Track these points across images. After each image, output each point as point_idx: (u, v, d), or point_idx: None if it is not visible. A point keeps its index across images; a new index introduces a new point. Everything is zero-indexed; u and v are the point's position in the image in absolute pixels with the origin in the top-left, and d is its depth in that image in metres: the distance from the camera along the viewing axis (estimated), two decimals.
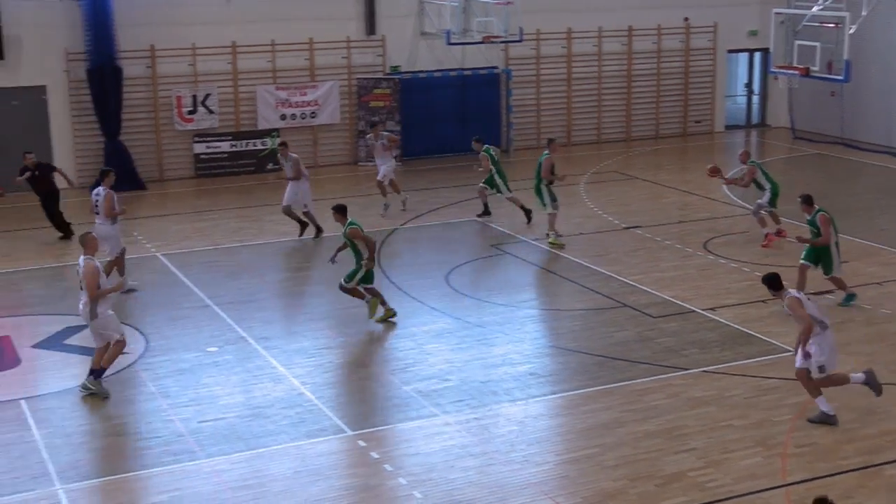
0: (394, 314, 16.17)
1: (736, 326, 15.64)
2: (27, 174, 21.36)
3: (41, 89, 26.19)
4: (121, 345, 13.79)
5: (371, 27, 28.89)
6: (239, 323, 16.20)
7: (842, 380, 12.54)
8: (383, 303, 16.14)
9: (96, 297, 13.39)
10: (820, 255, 16.18)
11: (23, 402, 13.45)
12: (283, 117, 28.25)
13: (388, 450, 12.10)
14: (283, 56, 28.07)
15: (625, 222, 22.01)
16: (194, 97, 27.34)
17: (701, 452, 11.81)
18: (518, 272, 19.08)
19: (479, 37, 27.73)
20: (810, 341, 12.22)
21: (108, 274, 16.67)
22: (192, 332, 15.94)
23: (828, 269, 16.26)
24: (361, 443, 12.21)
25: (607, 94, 31.74)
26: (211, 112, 27.57)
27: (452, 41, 27.55)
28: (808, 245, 16.24)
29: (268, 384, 13.88)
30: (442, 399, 13.34)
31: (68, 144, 26.54)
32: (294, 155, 21.60)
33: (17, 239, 21.53)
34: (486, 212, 22.72)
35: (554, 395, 13.56)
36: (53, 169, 22.01)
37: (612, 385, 13.72)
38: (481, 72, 30.05)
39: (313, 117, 28.61)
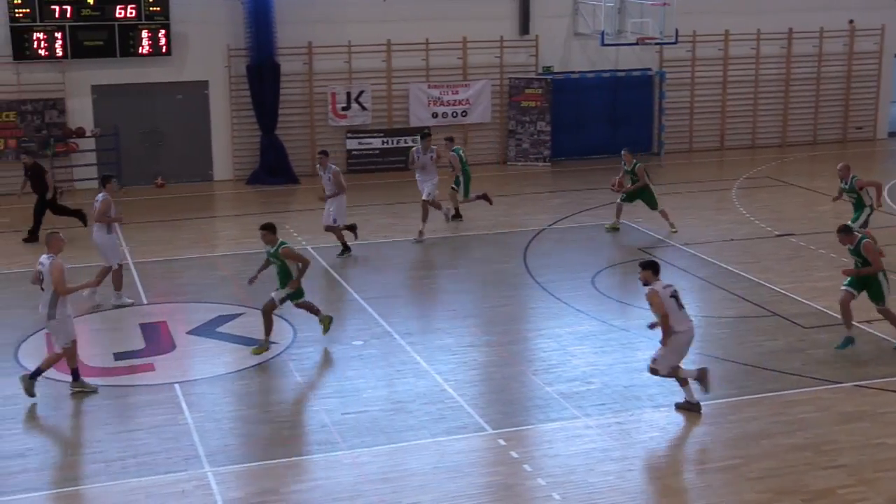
0: (330, 320, 15.44)
1: (893, 341, 15.07)
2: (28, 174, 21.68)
3: (203, 84, 27.05)
4: (74, 345, 13.67)
5: (525, 27, 28.89)
6: (384, 318, 16.41)
7: (677, 375, 12.99)
8: (317, 312, 15.36)
9: (66, 293, 13.39)
10: (867, 282, 14.66)
11: (177, 385, 13.91)
12: (435, 115, 28.50)
13: (527, 450, 12.09)
14: (436, 54, 28.31)
15: (777, 229, 21.46)
16: (348, 94, 27.83)
17: (852, 469, 11.43)
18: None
19: (634, 38, 27.45)
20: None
21: (116, 285, 17.09)
22: (338, 325, 16.20)
23: (877, 298, 14.67)
24: (501, 441, 12.23)
25: (764, 98, 30.99)
26: (364, 109, 28.01)
27: (606, 42, 27.35)
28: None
29: (410, 379, 14.02)
30: (584, 401, 13.25)
31: (226, 138, 27.34)
32: (335, 166, 20.18)
33: (177, 228, 22.26)
34: (458, 215, 22.62)
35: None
36: (44, 171, 21.85)
37: (759, 395, 13.40)
38: (634, 73, 29.71)
39: (464, 116, 28.78)
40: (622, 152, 21.78)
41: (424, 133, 21.90)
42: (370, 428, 12.59)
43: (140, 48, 25.91)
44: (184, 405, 13.26)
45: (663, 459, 11.83)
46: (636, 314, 16.42)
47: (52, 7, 25.11)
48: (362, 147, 28.12)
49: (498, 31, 28.67)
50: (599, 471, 11.46)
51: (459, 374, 14.18)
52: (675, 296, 12.79)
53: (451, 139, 22.88)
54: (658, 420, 12.79)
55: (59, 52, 25.39)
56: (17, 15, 24.98)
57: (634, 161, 21.58)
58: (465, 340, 15.58)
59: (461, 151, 22.62)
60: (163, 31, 25.96)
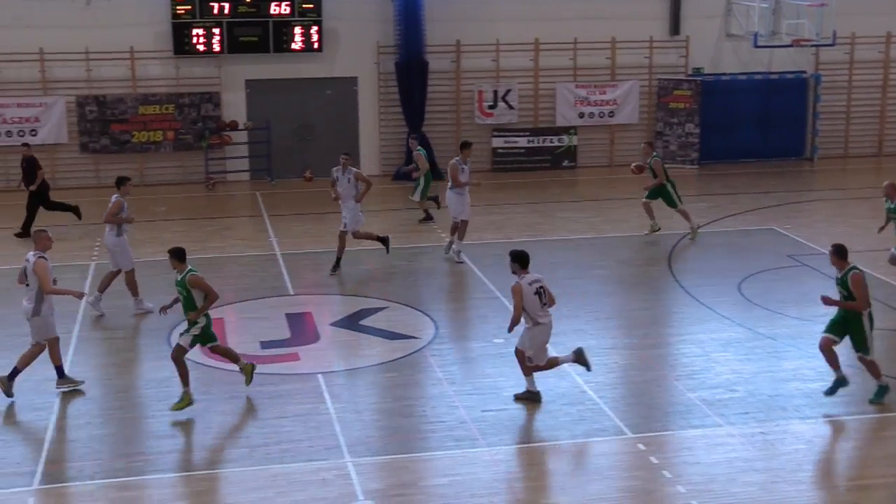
0: (252, 369, 13.67)
1: None
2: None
3: (353, 80, 27.48)
4: (55, 341, 13.67)
5: (675, 27, 28.46)
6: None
7: (553, 363, 13.28)
8: (236, 359, 13.62)
9: (50, 293, 13.36)
10: (849, 326, 12.85)
11: (320, 376, 14.16)
12: (581, 115, 28.33)
13: (668, 456, 11.91)
14: (584, 54, 28.13)
15: None
16: (495, 92, 27.89)
17: None
18: (815, 285, 18.23)
19: (789, 39, 26.75)
20: (523, 332, 12.96)
21: (133, 291, 16.74)
22: (480, 322, 16.27)
23: (859, 345, 12.86)
24: (641, 446, 12.07)
25: None
26: (511, 107, 28.03)
27: (760, 44, 26.72)
28: (835, 312, 13.06)
29: (551, 379, 13.95)
30: (727, 409, 12.98)
31: (374, 134, 27.72)
32: (356, 169, 19.22)
33: (325, 222, 22.65)
34: (429, 217, 22.65)
35: (849, 417, 12.88)
36: (37, 166, 22.02)
37: None
38: (788, 76, 28.95)
39: (611, 116, 28.53)
40: (642, 144, 21.66)
41: (465, 142, 20.45)
42: (509, 426, 12.59)
43: (293, 44, 26.49)
44: (326, 395, 13.49)
45: (809, 473, 11.50)
46: (784, 323, 16.02)
47: (212, 4, 25.87)
48: (508, 146, 28.16)
49: (648, 31, 28.31)
50: (742, 481, 11.21)
51: (600, 377, 14.05)
52: (539, 292, 12.91)
53: (415, 137, 23.34)
54: (804, 432, 12.43)
55: (217, 48, 26.15)
56: (178, 12, 25.82)
57: (654, 154, 21.05)
58: (607, 342, 15.45)
59: (424, 151, 22.89)
60: (315, 28, 26.48)
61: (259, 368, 14.14)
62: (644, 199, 20.98)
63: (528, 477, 11.38)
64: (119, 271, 16.80)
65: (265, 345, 15.38)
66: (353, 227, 18.83)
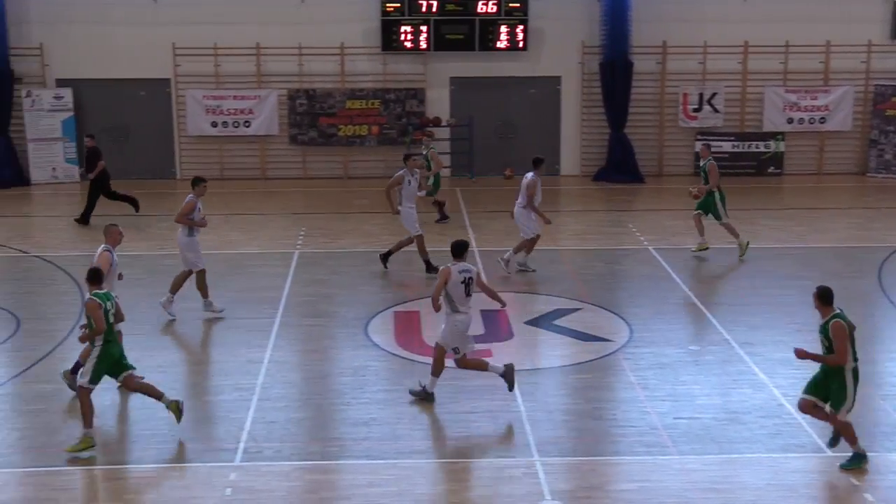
0: (178, 407, 12.46)
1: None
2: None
3: (556, 80, 27.47)
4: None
5: None
6: (724, 325, 16.00)
7: (481, 365, 13.20)
8: (158, 396, 12.42)
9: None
10: (830, 383, 11.42)
11: None
12: (790, 121, 27.47)
13: (870, 477, 11.40)
14: (796, 58, 27.25)
15: None
16: (700, 95, 27.35)
17: None
18: None
19: None
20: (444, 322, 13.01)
21: (202, 292, 16.29)
22: (675, 328, 15.99)
23: (836, 404, 11.45)
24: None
25: None
26: (716, 111, 27.44)
27: None
28: (819, 367, 11.60)
29: (747, 390, 13.59)
30: None
31: (575, 134, 27.63)
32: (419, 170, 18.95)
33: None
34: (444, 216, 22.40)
35: None
36: (99, 157, 22.49)
37: None
38: None
39: (822, 122, 27.55)
40: (700, 146, 20.49)
41: (536, 160, 19.04)
42: (702, 436, 12.32)
43: (498, 42, 26.67)
44: (518, 393, 13.51)
45: None
46: None
47: (420, 2, 26.34)
48: (712, 150, 27.48)
49: (866, 34, 27.18)
50: None
51: (799, 390, 13.56)
52: (466, 282, 12.99)
53: (429, 135, 23.09)
54: None
55: (423, 45, 26.59)
56: (387, 9, 26.40)
57: (709, 158, 19.83)
58: None
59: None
60: (521, 27, 26.58)
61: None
62: (696, 212, 19.86)
63: (720, 489, 11.10)
64: (191, 272, 16.34)
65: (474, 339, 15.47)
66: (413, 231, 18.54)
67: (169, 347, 15.24)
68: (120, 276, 13.84)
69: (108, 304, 12.08)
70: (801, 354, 11.47)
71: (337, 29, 26.67)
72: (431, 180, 22.24)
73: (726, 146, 27.49)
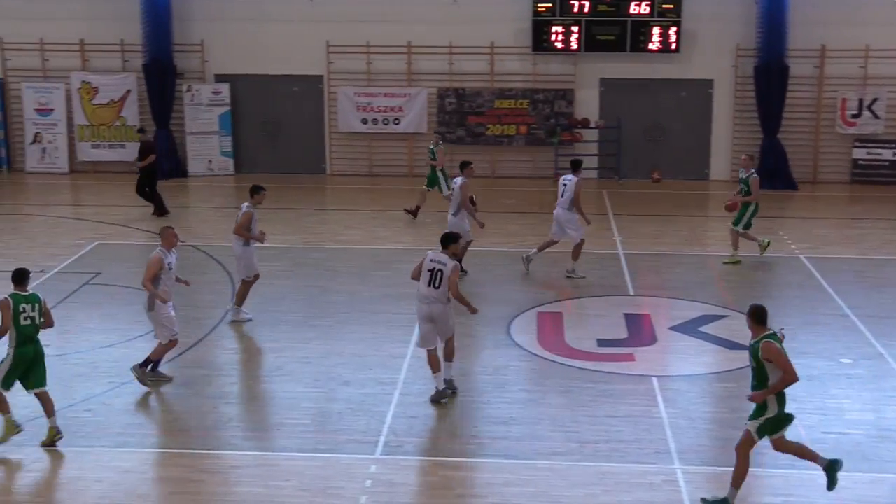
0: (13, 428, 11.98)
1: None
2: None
3: (708, 83, 26.98)
4: (172, 344, 13.60)
5: None
6: (879, 339, 15.45)
7: (434, 361, 13.17)
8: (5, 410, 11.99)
9: (146, 287, 13.30)
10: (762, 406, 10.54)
11: (654, 379, 14.02)
12: None
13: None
14: None
15: None
16: (860, 101, 26.47)
17: None
18: None
19: None
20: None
21: (238, 299, 16.05)
22: (826, 340, 15.52)
23: (775, 430, 10.59)
24: None
25: None
26: (876, 117, 26.52)
27: None
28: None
29: None
30: None
31: (726, 138, 27.10)
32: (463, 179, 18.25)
33: (669, 224, 22.39)
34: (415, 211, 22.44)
35: None
36: (151, 151, 22.75)
37: None
38: None
39: None
40: (743, 157, 19.70)
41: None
42: (851, 452, 11.91)
43: (650, 44, 26.35)
44: (659, 399, 13.33)
45: None
46: None
47: (572, 2, 26.21)
48: (870, 157, 26.67)
49: None
50: None
51: None
52: (432, 271, 13.00)
53: (438, 133, 23.31)
54: None
55: (574, 46, 26.46)
56: (539, 9, 26.35)
57: (752, 171, 19.14)
58: None
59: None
60: (674, 29, 26.20)
61: (594, 365, 14.21)
62: (733, 227, 19.31)
63: None
64: (251, 282, 16.12)
65: (602, 343, 15.40)
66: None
67: (314, 340, 15.55)
68: (184, 282, 13.99)
69: (26, 306, 11.77)
70: (755, 399, 10.55)
71: (488, 28, 26.75)
72: (430, 171, 22.66)
73: (886, 154, 26.55)
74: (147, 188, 22.98)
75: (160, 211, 22.80)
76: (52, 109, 27.44)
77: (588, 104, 27.15)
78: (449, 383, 13.36)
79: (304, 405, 13.27)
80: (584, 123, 26.84)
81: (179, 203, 23.01)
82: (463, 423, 12.83)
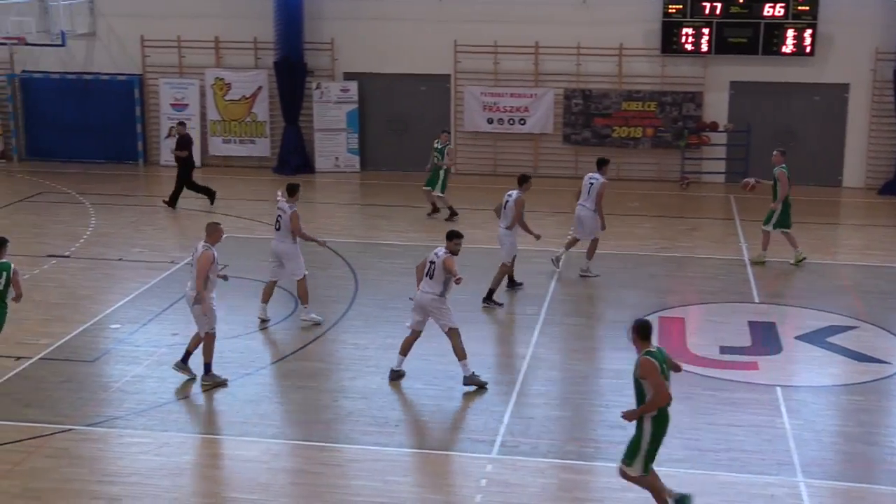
0: None
1: None
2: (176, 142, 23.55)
3: (844, 87, 26.23)
4: (211, 337, 13.59)
5: None
6: None
7: (408, 342, 13.88)
8: None
9: (197, 285, 13.22)
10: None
11: (778, 388, 13.70)
12: None
13: None
14: None
15: None
16: None
17: None
18: None
19: None
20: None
21: (303, 299, 15.88)
22: None
23: (627, 454, 10.25)
24: None
25: None
26: None
27: None
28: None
29: None
30: None
31: (862, 144, 26.31)
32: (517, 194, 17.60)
33: (801, 231, 21.86)
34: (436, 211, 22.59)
35: None
36: (189, 145, 23.42)
37: None
38: None
39: None
40: (775, 152, 19.53)
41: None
42: None
43: (783, 47, 25.73)
44: (783, 409, 13.03)
45: None
46: None
47: (703, 4, 25.77)
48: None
49: None
50: None
51: None
52: (428, 263, 13.52)
53: (447, 132, 23.42)
54: None
55: (704, 48, 26.01)
56: (669, 11, 25.99)
57: (782, 165, 19.07)
58: None
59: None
60: (809, 31, 25.54)
61: (716, 373, 13.96)
62: (771, 229, 19.20)
63: None
64: (304, 277, 15.99)
65: (724, 350, 15.12)
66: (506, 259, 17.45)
67: (434, 337, 15.63)
68: (223, 276, 13.99)
69: None
70: (626, 417, 10.21)
71: (616, 30, 26.51)
72: (441, 176, 22.48)
73: None
74: (183, 179, 23.52)
75: (172, 203, 23.40)
76: (186, 105, 28.19)
77: (717, 107, 26.66)
78: (470, 378, 13.58)
79: (422, 402, 13.36)
80: (713, 127, 26.38)
81: (306, 199, 23.29)
82: (581, 426, 12.75)
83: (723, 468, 11.57)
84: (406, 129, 28.05)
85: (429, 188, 22.75)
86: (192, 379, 13.75)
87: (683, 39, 26.05)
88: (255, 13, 27.42)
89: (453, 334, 13.60)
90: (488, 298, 16.91)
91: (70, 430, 12.42)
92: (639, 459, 10.11)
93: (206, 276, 13.28)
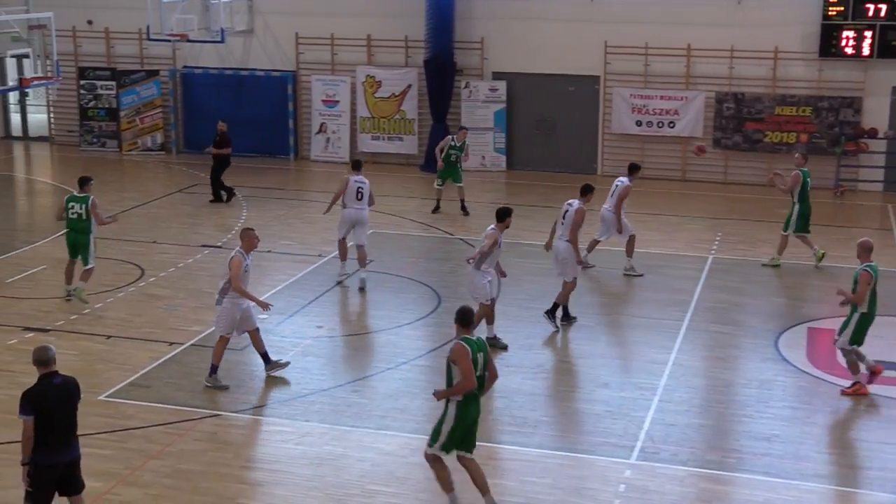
0: None
1: None
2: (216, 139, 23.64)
3: None
4: (224, 341, 13.64)
5: None
6: None
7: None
8: None
9: (237, 289, 13.31)
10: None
11: None
12: None
13: None
14: None
15: None
16: None
17: None
18: None
19: None
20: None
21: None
22: None
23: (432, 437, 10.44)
24: None
25: None
26: None
27: None
28: None
29: None
30: None
31: None
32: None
33: None
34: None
35: None
36: (228, 144, 23.50)
37: None
38: None
39: None
40: (797, 155, 19.89)
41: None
42: None
43: None
44: None
45: None
46: None
47: (866, 6, 24.93)
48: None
49: None
50: None
51: None
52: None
53: (464, 128, 23.62)
54: None
55: (866, 51, 25.16)
56: (829, 13, 25.23)
57: (802, 168, 19.25)
58: None
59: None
60: None
61: (872, 389, 13.50)
62: (789, 233, 19.19)
63: None
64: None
65: (887, 365, 14.54)
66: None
67: (575, 339, 15.56)
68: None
69: (75, 204, 16.31)
70: (437, 396, 10.39)
71: (772, 32, 25.86)
72: (446, 167, 22.67)
73: None
74: (217, 175, 23.87)
75: (217, 198, 23.76)
76: (337, 101, 28.69)
77: (877, 113, 25.75)
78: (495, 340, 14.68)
79: (562, 404, 13.30)
80: (872, 133, 25.49)
81: (450, 197, 23.49)
82: (723, 436, 12.50)
83: (876, 487, 11.18)
84: (553, 129, 27.95)
85: (456, 184, 22.86)
86: (287, 363, 14.03)
87: (843, 42, 25.23)
88: (407, 12, 27.72)
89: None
90: (551, 313, 15.86)
91: (218, 415, 12.79)
92: (440, 441, 10.34)
93: (239, 276, 13.33)
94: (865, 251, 13.52)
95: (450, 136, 23.22)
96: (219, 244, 20.24)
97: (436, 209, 22.86)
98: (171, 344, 15.01)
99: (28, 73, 22.58)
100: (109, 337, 12.99)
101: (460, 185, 22.85)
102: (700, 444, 12.22)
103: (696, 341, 15.53)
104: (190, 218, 22.46)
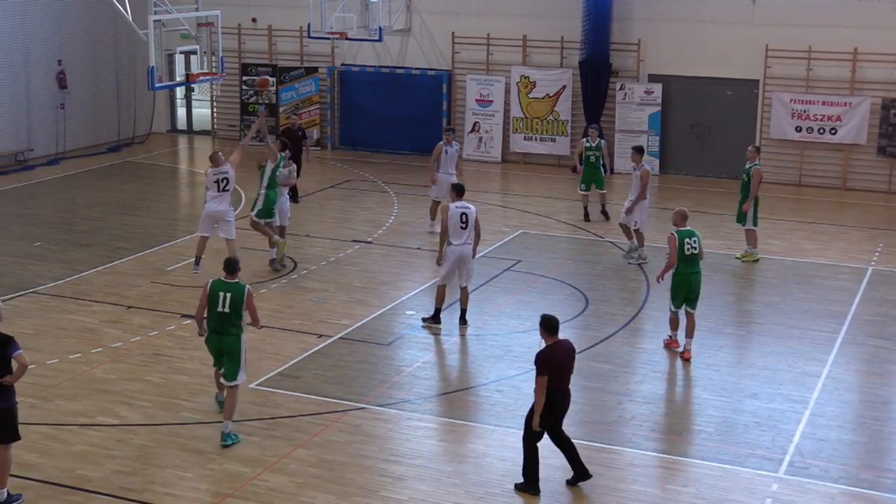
0: None
1: None
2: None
3: None
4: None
5: None
6: None
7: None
8: None
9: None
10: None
11: None
12: None
13: None
14: None
15: None
16: None
17: None
18: None
19: None
20: None
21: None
22: None
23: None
24: None
25: None
26: None
27: None
28: None
29: None
30: None
31: None
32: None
33: None
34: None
35: None
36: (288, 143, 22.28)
37: None
38: None
39: None
40: (749, 148, 19.77)
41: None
42: None
43: None
44: None
45: None
46: None
47: None
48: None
49: None
50: None
51: None
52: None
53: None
54: None
55: None
56: None
57: (756, 162, 19.31)
58: None
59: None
60: None
61: None
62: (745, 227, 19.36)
63: None
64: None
65: None
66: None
67: (724, 348, 15.27)
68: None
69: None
70: None
71: None
72: None
73: None
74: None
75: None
76: (491, 101, 28.78)
77: None
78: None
79: (708, 413, 13.05)
80: None
81: (611, 201, 23.23)
82: (878, 454, 12.07)
83: None
84: (709, 133, 27.44)
85: (599, 190, 22.59)
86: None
87: None
88: (564, 13, 27.60)
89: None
90: None
91: (363, 408, 13.00)
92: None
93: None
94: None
95: (583, 139, 22.97)
96: (369, 240, 20.55)
97: (586, 217, 22.43)
98: (320, 336, 15.32)
99: (195, 69, 23.40)
100: (262, 327, 13.36)
101: (602, 191, 22.57)
102: (853, 462, 11.82)
103: (851, 355, 15.03)
104: (342, 213, 22.87)
